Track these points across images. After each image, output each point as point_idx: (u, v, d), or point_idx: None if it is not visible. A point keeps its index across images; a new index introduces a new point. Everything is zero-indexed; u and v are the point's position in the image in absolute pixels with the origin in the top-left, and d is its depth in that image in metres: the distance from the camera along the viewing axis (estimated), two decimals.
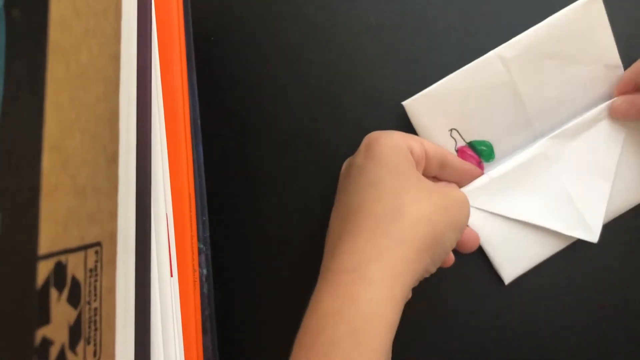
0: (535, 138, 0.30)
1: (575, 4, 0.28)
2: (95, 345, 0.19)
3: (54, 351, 0.16)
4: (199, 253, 0.28)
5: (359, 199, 0.26)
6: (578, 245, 0.30)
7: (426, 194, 0.25)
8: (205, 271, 0.29)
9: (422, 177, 0.27)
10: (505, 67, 0.29)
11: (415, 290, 0.26)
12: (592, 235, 0.29)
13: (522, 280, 0.30)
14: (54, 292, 0.17)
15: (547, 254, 0.30)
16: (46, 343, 0.16)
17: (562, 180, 0.29)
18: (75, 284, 0.18)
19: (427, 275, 0.26)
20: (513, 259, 0.30)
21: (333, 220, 0.28)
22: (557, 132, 0.29)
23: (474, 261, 0.31)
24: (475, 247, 0.29)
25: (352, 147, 0.32)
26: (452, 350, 0.31)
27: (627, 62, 0.29)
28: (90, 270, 0.19)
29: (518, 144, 0.30)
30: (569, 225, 0.29)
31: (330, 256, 0.26)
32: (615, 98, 0.29)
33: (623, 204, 0.29)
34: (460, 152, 0.30)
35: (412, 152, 0.27)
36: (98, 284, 0.19)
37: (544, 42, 0.28)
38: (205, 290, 0.28)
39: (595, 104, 0.29)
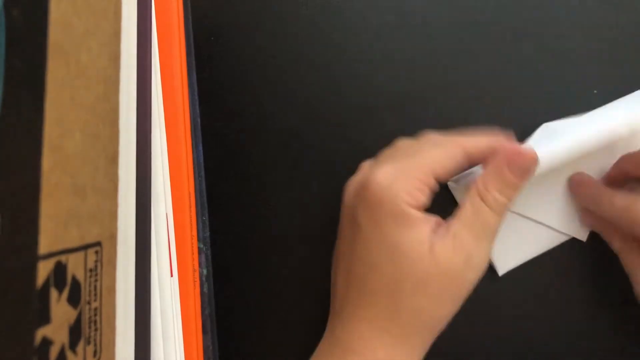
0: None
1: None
2: (95, 345, 0.19)
3: (54, 351, 0.16)
4: (199, 253, 0.28)
5: (363, 257, 0.24)
6: (574, 241, 0.30)
7: (439, 292, 0.24)
8: (205, 271, 0.29)
9: (432, 248, 0.23)
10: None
11: None
12: (582, 234, 0.30)
13: (516, 272, 0.30)
14: (54, 292, 0.17)
15: (542, 248, 0.30)
16: (46, 343, 0.16)
17: (562, 179, 0.29)
18: (75, 283, 0.18)
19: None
20: (508, 250, 0.30)
21: (340, 262, 0.27)
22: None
23: None
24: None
25: (352, 147, 0.32)
26: (443, 341, 0.31)
27: None
28: (90, 270, 0.19)
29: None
30: (562, 223, 0.29)
31: (338, 312, 0.26)
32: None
33: None
34: None
35: (418, 205, 0.24)
36: (98, 284, 0.19)
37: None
38: (205, 289, 0.28)
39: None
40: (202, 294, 0.28)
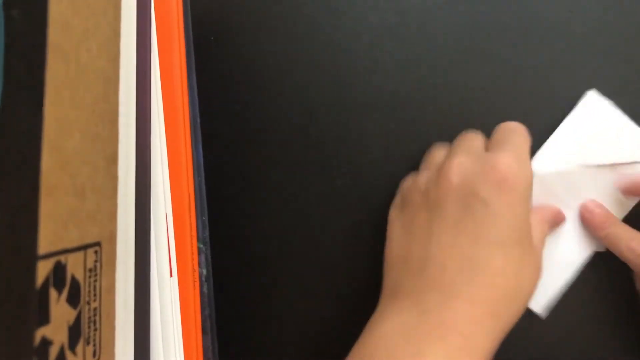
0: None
1: (578, 107, 0.29)
2: (94, 345, 0.19)
3: (53, 351, 0.16)
4: (199, 253, 0.28)
5: (488, 235, 0.24)
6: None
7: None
8: (205, 271, 0.29)
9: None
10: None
11: None
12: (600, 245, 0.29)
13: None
14: (53, 292, 0.17)
15: (570, 275, 0.29)
16: (46, 343, 0.16)
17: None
18: (75, 284, 0.18)
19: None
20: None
21: (438, 237, 0.25)
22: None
23: None
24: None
25: (352, 147, 0.32)
26: None
27: None
28: (90, 270, 0.19)
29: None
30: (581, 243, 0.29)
31: (432, 287, 0.24)
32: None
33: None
34: None
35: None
36: (97, 284, 0.19)
37: (569, 151, 0.29)
38: (205, 290, 0.28)
39: None
40: (201, 294, 0.28)
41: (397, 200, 0.29)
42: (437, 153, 0.29)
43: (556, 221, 0.29)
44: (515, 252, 0.24)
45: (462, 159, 0.26)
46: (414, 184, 0.28)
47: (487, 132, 0.31)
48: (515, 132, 0.27)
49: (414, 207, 0.27)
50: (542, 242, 0.26)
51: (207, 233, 0.30)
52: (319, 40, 0.32)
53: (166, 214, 0.25)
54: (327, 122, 0.32)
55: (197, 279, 0.27)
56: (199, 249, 0.28)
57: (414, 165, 0.31)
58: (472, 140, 0.28)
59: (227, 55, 0.33)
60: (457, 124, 0.31)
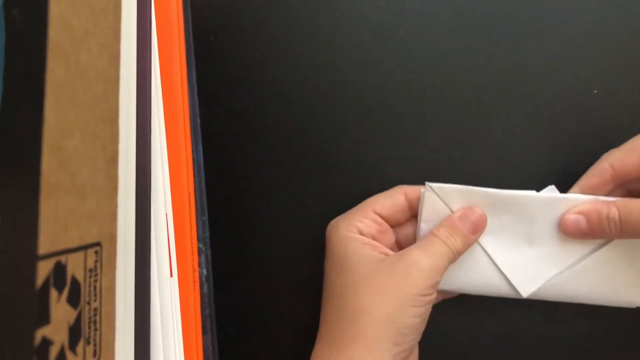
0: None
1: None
2: (95, 345, 0.19)
3: (53, 351, 0.16)
4: (199, 253, 0.28)
5: (325, 301, 0.28)
6: None
7: (382, 288, 0.25)
8: (205, 271, 0.29)
9: (380, 259, 0.27)
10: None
11: None
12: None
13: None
14: (53, 292, 0.17)
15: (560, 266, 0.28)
16: (46, 343, 0.16)
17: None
18: (75, 284, 0.18)
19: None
20: (527, 271, 0.28)
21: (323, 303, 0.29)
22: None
23: None
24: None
25: (352, 147, 0.32)
26: (445, 346, 0.31)
27: None
28: (90, 270, 0.19)
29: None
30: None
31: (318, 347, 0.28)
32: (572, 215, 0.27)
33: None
34: None
35: (361, 233, 0.28)
36: (98, 284, 0.19)
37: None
38: (205, 290, 0.28)
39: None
40: (201, 294, 0.28)
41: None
42: None
43: (474, 226, 0.28)
44: (338, 282, 0.27)
45: None
46: None
47: (488, 132, 0.31)
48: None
49: None
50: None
51: (207, 233, 0.30)
52: (319, 40, 0.32)
53: (166, 214, 0.25)
54: (327, 122, 0.32)
55: (197, 279, 0.27)
56: (199, 249, 0.28)
57: (414, 165, 0.31)
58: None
59: (227, 55, 0.33)
60: (457, 124, 0.31)
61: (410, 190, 0.29)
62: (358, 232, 0.28)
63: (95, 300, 0.19)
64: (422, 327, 0.27)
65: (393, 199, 0.29)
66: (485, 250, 0.29)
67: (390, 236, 0.29)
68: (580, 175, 0.29)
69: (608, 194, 0.28)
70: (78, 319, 0.18)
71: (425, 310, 0.26)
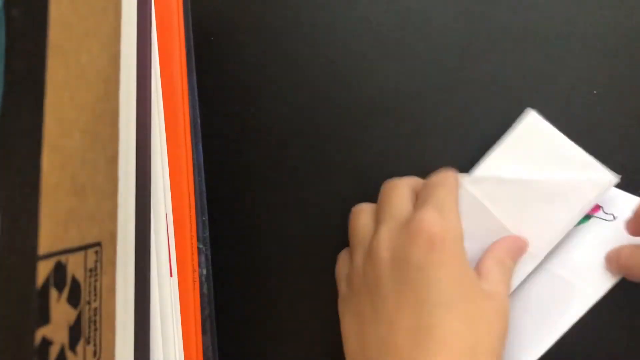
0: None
1: (518, 127, 0.28)
2: (95, 345, 0.19)
3: (53, 351, 0.16)
4: (199, 253, 0.28)
5: (431, 298, 0.23)
6: None
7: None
8: (205, 271, 0.29)
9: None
10: (475, 200, 0.28)
11: None
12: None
13: None
14: (53, 292, 0.17)
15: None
16: (46, 343, 0.16)
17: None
18: (75, 284, 0.18)
19: None
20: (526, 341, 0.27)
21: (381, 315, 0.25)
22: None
23: None
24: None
25: (352, 147, 0.32)
26: None
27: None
28: (90, 270, 0.19)
29: None
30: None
31: None
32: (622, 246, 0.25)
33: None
34: None
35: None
36: (98, 284, 0.19)
37: (505, 169, 0.28)
38: (205, 290, 0.28)
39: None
40: (201, 294, 0.28)
41: (341, 291, 0.28)
42: (362, 222, 0.28)
43: (517, 250, 0.27)
44: (463, 307, 0.23)
45: (387, 229, 0.26)
46: (351, 269, 0.27)
47: (488, 131, 0.31)
48: (438, 186, 0.27)
49: (357, 295, 0.26)
50: (504, 282, 0.25)
51: (207, 233, 0.30)
52: (319, 41, 0.32)
53: (166, 214, 0.25)
54: (327, 122, 0.32)
55: (197, 279, 0.27)
56: (199, 249, 0.28)
57: (414, 165, 0.31)
58: (396, 198, 0.27)
59: (227, 55, 0.33)
60: (457, 124, 0.31)
61: (414, 181, 0.29)
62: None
63: (95, 300, 0.19)
64: None
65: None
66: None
67: None
68: None
69: None
70: (78, 319, 0.18)
71: None
